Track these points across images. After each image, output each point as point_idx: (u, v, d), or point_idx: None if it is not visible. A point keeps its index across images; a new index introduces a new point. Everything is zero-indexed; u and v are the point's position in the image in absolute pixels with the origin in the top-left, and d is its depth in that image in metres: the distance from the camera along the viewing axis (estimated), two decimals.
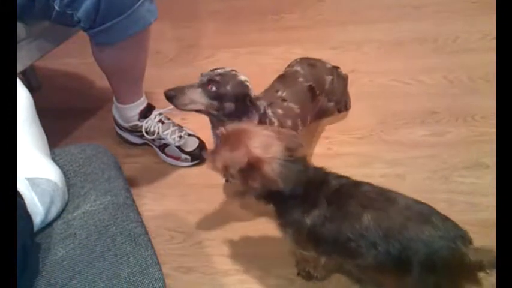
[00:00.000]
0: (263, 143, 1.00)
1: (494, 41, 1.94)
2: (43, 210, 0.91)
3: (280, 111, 1.36)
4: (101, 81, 1.78)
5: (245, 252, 1.34)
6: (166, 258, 1.32)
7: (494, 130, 1.49)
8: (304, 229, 1.02)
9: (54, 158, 1.04)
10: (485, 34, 2.01)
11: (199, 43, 2.33)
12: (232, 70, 1.27)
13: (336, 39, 2.17)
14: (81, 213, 0.95)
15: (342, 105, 1.75)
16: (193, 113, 1.29)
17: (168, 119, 1.68)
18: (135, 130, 1.70)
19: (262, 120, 1.27)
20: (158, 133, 1.65)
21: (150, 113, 1.66)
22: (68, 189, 0.99)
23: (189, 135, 1.66)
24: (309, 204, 1.01)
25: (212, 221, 1.44)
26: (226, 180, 1.49)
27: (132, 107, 1.65)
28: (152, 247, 0.90)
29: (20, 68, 1.43)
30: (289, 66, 1.58)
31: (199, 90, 1.24)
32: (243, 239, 1.37)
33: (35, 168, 0.95)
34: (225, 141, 1.04)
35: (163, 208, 1.52)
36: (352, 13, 2.36)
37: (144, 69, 1.59)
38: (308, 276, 1.22)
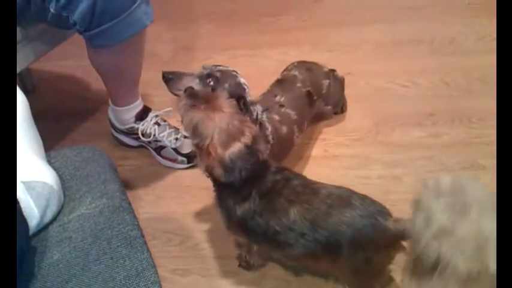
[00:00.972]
0: (229, 134, 1.01)
1: (491, 43, 1.95)
2: (39, 213, 0.90)
3: (276, 117, 1.35)
4: (97, 83, 1.78)
5: None
6: (163, 260, 1.32)
7: (491, 132, 1.49)
8: (234, 218, 1.08)
9: (50, 161, 1.04)
10: (481, 36, 2.02)
11: (195, 45, 2.33)
12: (234, 71, 1.27)
13: (332, 41, 2.18)
14: (76, 216, 0.95)
15: (339, 108, 1.75)
16: None
17: (164, 121, 1.68)
18: (131, 132, 1.69)
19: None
20: (154, 135, 1.64)
21: (146, 115, 1.66)
22: (64, 192, 0.99)
23: (185, 137, 1.66)
24: (241, 197, 1.06)
25: (209, 223, 1.44)
26: None
27: (128, 110, 1.64)
28: (148, 250, 0.90)
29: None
30: (286, 70, 1.58)
31: (197, 80, 1.23)
32: None
33: (31, 171, 0.94)
34: (201, 101, 1.05)
35: (160, 210, 1.51)
36: (348, 15, 2.37)
37: (140, 72, 1.59)
38: (248, 267, 1.28)
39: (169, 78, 1.24)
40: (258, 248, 1.22)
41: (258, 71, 1.93)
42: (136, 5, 1.31)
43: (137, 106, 1.65)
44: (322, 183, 1.07)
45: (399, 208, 0.99)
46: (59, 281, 0.83)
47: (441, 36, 2.08)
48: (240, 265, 1.29)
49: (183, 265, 1.34)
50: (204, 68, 1.26)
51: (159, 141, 1.65)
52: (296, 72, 1.52)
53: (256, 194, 1.05)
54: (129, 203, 1.01)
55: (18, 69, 1.45)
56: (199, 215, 1.46)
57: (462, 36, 2.05)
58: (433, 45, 2.06)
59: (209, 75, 1.23)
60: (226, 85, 1.23)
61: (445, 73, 1.87)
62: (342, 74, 1.69)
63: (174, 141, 1.64)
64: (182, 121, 1.06)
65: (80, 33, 1.37)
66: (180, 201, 1.53)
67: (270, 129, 1.30)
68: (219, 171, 1.01)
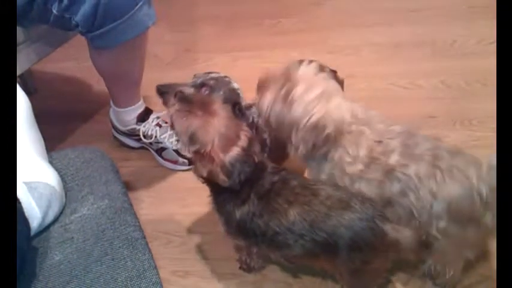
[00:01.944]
0: (227, 138, 1.01)
1: (492, 46, 1.94)
2: (40, 214, 0.90)
3: None
4: (98, 84, 1.78)
5: None
6: (164, 262, 1.32)
7: (492, 134, 1.49)
8: (233, 221, 1.08)
9: (52, 162, 1.04)
10: (482, 38, 2.02)
11: (196, 47, 2.33)
12: (226, 76, 1.26)
13: (333, 43, 2.18)
14: (78, 217, 0.95)
15: None
16: None
17: (166, 122, 1.68)
18: (133, 134, 1.69)
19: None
20: (156, 137, 1.65)
21: (148, 117, 1.66)
22: (66, 193, 0.99)
23: (177, 141, 1.66)
24: (241, 200, 1.06)
25: (210, 224, 1.43)
26: None
27: (130, 111, 1.65)
28: (149, 251, 0.90)
29: (18, 71, 1.43)
30: None
31: (192, 90, 1.23)
32: None
33: (33, 172, 0.95)
34: (198, 107, 1.04)
35: (161, 212, 1.51)
36: (349, 17, 2.37)
37: (141, 73, 1.59)
38: (248, 269, 1.29)
39: (164, 92, 1.22)
40: (257, 250, 1.22)
41: (259, 73, 1.93)
42: (138, 6, 1.32)
43: (139, 107, 1.66)
44: (321, 184, 1.07)
45: None
46: (60, 281, 0.84)
47: (442, 39, 2.08)
48: (240, 267, 1.30)
49: (183, 267, 1.34)
50: (195, 76, 1.25)
51: (161, 142, 1.65)
52: None
53: (254, 195, 1.05)
54: (131, 204, 1.01)
55: (21, 71, 1.46)
56: (200, 217, 1.46)
57: (463, 39, 2.05)
58: (434, 47, 2.05)
59: (203, 84, 1.22)
60: (221, 92, 1.22)
61: (446, 75, 1.87)
62: (343, 76, 1.69)
63: (176, 142, 1.63)
64: (173, 127, 1.05)
65: (82, 34, 1.37)
66: (181, 202, 1.53)
67: (266, 134, 1.30)
68: (221, 176, 1.00)
